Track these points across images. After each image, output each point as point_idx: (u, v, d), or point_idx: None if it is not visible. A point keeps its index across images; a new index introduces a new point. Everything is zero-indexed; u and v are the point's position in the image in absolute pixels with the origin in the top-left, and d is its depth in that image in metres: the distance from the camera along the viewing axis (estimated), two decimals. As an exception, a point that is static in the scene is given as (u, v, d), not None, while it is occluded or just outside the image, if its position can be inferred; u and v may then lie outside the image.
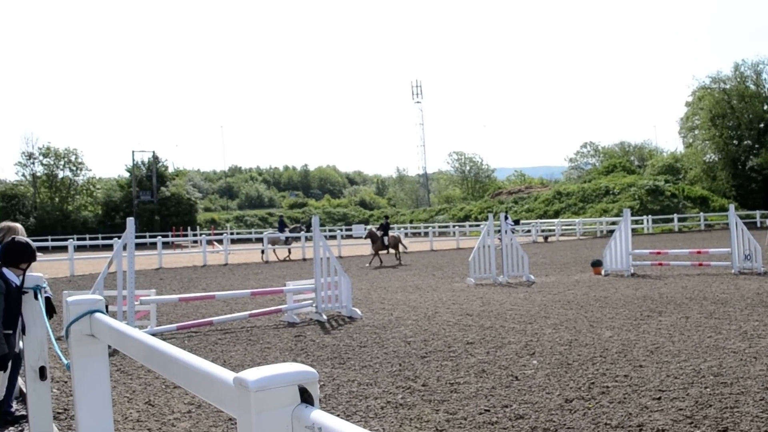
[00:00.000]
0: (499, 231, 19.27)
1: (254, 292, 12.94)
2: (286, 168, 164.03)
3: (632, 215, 47.35)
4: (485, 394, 6.85)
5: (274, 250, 34.08)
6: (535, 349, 9.03)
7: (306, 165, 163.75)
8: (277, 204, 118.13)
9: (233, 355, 9.38)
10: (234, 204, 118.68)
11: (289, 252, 34.31)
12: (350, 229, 59.00)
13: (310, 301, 12.63)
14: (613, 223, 46.36)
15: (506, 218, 48.07)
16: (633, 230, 37.76)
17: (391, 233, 28.84)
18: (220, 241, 39.51)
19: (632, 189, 62.29)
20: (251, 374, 2.03)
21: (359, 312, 12.64)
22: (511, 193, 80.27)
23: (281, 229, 35.13)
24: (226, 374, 2.25)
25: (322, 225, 64.64)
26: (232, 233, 54.88)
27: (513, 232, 44.21)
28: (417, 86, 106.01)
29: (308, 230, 41.09)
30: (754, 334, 9.53)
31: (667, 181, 65.07)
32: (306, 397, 2.06)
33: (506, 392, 6.92)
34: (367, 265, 27.18)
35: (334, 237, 40.72)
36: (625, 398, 6.58)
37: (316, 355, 9.13)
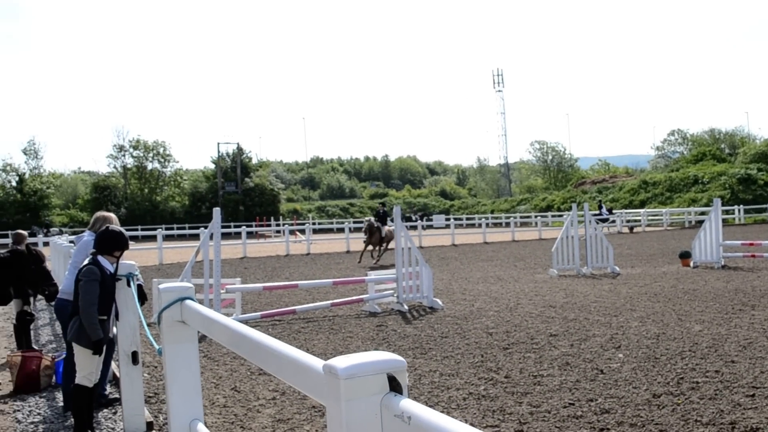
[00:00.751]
0: (589, 221, 18.87)
1: (336, 281, 13.09)
2: (367, 158, 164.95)
3: (723, 205, 45.75)
4: (569, 388, 6.75)
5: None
6: (620, 342, 8.83)
7: (387, 155, 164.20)
8: (357, 194, 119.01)
9: (316, 343, 9.51)
10: (316, 194, 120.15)
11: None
12: (431, 220, 58.94)
13: (392, 291, 12.68)
14: (702, 213, 44.87)
15: (601, 207, 47.27)
16: (724, 221, 36.43)
17: (386, 227, 24.79)
18: (302, 231, 40.09)
19: (722, 178, 60.12)
20: (341, 362, 2.04)
21: (440, 302, 12.62)
22: (595, 183, 78.62)
23: (383, 220, 35.97)
24: (316, 362, 2.27)
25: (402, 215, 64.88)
26: (314, 223, 55.58)
27: (607, 222, 43.63)
28: (498, 75, 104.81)
29: (423, 218, 41.57)
30: None
31: (760, 170, 62.43)
32: (395, 385, 2.06)
33: (591, 386, 6.79)
34: (358, 262, 23.93)
35: (414, 227, 40.73)
36: (716, 395, 6.37)
37: (398, 345, 9.17)
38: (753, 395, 6.29)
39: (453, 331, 10.06)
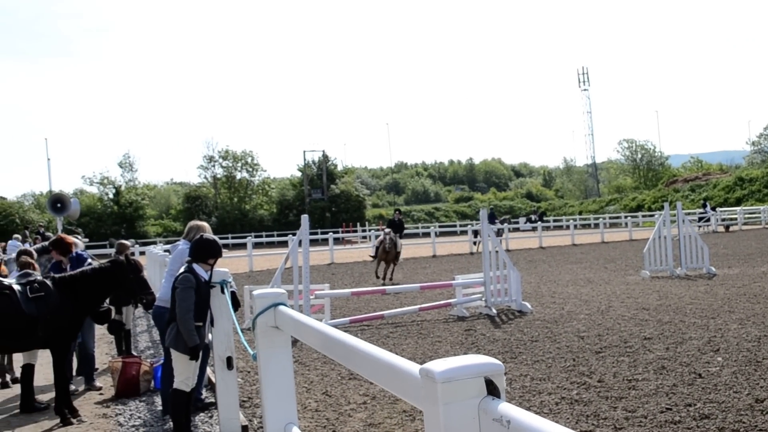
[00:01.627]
0: (689, 220, 18.30)
1: (423, 286, 13.10)
2: (451, 162, 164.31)
3: (826, 201, 43.54)
4: (666, 392, 6.56)
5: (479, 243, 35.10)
6: (719, 345, 8.53)
7: (471, 158, 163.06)
8: (443, 198, 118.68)
9: (405, 348, 9.54)
10: (401, 199, 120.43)
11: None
12: (517, 222, 58.29)
13: (479, 295, 12.60)
14: (805, 210, 42.87)
15: (705, 206, 45.90)
16: (828, 217, 34.74)
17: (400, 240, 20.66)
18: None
19: (827, 172, 57.32)
20: (437, 365, 2.04)
21: (529, 306, 12.47)
22: (687, 181, 76.12)
23: (491, 221, 36.30)
24: (411, 366, 2.28)
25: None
26: (399, 228, 55.80)
27: (711, 219, 42.37)
28: (583, 73, 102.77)
29: (541, 219, 41.62)
30: None
31: None
32: (492, 389, 2.05)
33: (689, 390, 6.59)
34: (380, 279, 20.09)
35: (501, 230, 40.40)
36: (825, 399, 6.08)
37: (487, 350, 9.10)
38: None
39: (543, 334, 9.92)
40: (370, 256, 23.02)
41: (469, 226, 42.08)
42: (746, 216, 47.39)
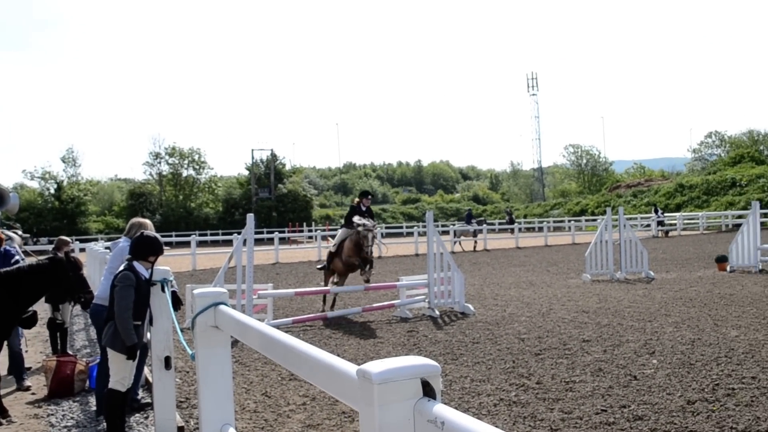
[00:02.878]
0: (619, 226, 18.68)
1: (368, 287, 13.09)
2: (400, 164, 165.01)
3: (762, 208, 44.94)
4: (602, 394, 6.69)
5: (459, 242, 36.38)
6: (654, 348, 8.73)
7: (419, 160, 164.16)
8: (390, 200, 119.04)
9: (347, 349, 9.53)
10: (348, 200, 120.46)
11: (475, 243, 36.46)
12: (493, 224, 58.75)
13: (423, 297, 12.67)
14: (740, 217, 44.11)
15: (656, 210, 47.12)
16: (762, 224, 35.85)
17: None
18: (334, 237, 40.28)
19: (761, 180, 59.05)
20: (374, 366, 2.04)
21: (472, 308, 12.58)
22: (630, 186, 77.74)
23: (468, 221, 37.46)
24: (349, 366, 2.28)
25: (435, 220, 64.72)
26: (346, 229, 55.74)
27: (662, 225, 43.52)
28: (533, 78, 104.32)
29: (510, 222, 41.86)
30: None
31: (802, 171, 61.32)
32: (428, 390, 2.06)
33: (624, 392, 6.73)
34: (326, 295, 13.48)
35: (447, 233, 40.66)
36: (752, 401, 6.27)
37: (429, 351, 9.15)
38: (791, 402, 6.18)
39: (484, 336, 10.02)
40: (319, 268, 14.43)
41: (452, 226, 42.95)
42: (685, 222, 48.60)
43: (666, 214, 49.06)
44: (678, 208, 60.85)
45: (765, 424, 5.62)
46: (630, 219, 49.64)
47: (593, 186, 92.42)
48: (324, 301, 13.39)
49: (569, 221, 50.49)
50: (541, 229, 44.53)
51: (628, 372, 7.52)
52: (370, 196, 13.51)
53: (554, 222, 55.14)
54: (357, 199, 13.20)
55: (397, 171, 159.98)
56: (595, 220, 50.68)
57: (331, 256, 13.02)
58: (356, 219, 12.23)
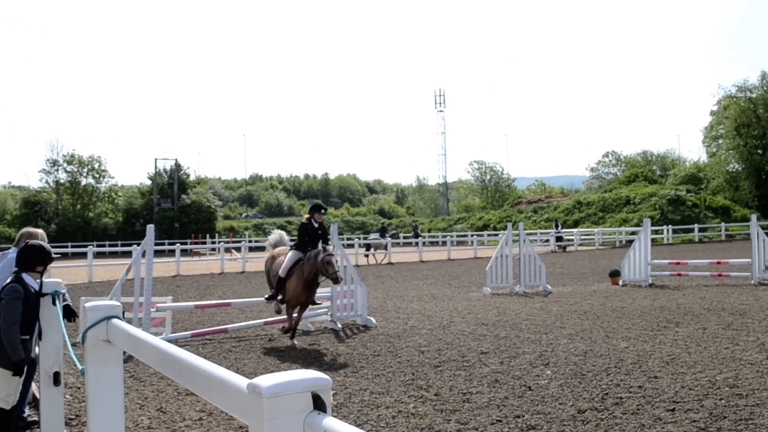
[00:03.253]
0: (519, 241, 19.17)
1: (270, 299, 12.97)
2: (307, 176, 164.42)
3: (653, 225, 46.90)
4: (497, 404, 6.84)
5: (374, 255, 36.56)
6: (549, 359, 9.00)
7: (326, 173, 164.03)
8: (296, 212, 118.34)
9: (247, 363, 9.42)
10: (253, 212, 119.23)
11: (384, 256, 36.71)
12: (367, 238, 59.06)
13: (326, 310, 12.66)
14: (633, 233, 45.97)
15: (557, 226, 48.67)
16: (653, 240, 37.46)
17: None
18: (238, 249, 39.70)
19: (653, 199, 61.84)
20: (265, 380, 2.04)
21: (374, 321, 12.65)
22: (531, 203, 79.93)
23: (382, 235, 37.57)
24: (240, 380, 2.27)
25: (340, 233, 64.75)
26: (250, 241, 55.09)
27: (560, 240, 44.92)
28: (440, 95, 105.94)
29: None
30: (772, 346, 9.43)
31: (688, 191, 64.49)
32: (319, 404, 2.08)
33: (519, 402, 6.90)
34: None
35: (352, 245, 40.76)
36: (638, 409, 6.54)
37: (330, 364, 9.15)
38: (673, 409, 6.48)
39: (385, 349, 10.09)
40: (268, 297, 11.49)
41: (365, 239, 43.23)
42: (582, 237, 50.33)
43: (564, 230, 50.70)
44: (576, 224, 62.94)
45: (649, 430, 5.88)
46: (530, 234, 50.94)
47: (496, 201, 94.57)
48: (290, 329, 10.87)
49: (472, 236, 51.48)
50: (444, 243, 45.17)
51: (523, 383, 7.72)
52: (323, 211, 11.25)
53: (457, 236, 56.11)
54: (307, 215, 11.25)
55: (303, 183, 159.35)
56: (497, 234, 51.82)
57: (281, 282, 10.74)
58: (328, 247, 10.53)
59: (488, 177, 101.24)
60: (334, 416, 2.02)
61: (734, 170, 68.03)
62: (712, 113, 71.17)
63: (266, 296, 11.49)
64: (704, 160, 76.03)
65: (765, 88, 66.75)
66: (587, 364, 8.66)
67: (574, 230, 52.57)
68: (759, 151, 66.83)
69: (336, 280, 10.50)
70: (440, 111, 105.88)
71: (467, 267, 30.29)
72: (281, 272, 10.78)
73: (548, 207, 73.21)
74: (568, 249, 45.55)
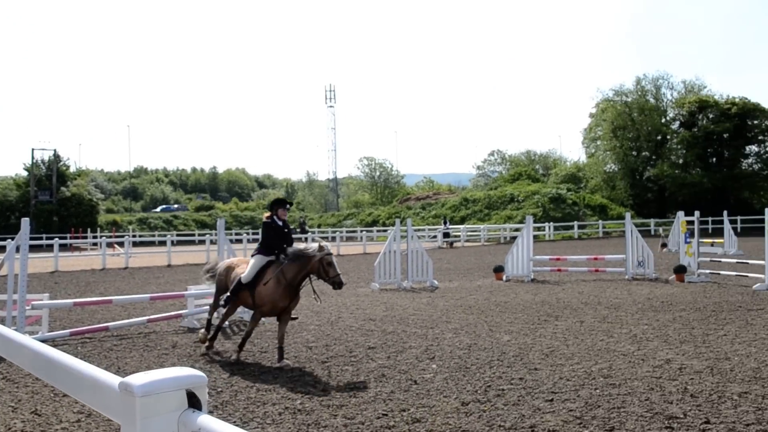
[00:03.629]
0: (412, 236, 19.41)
1: (154, 296, 12.63)
2: (194, 170, 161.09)
3: (535, 222, 48.51)
4: (384, 399, 6.91)
5: None
6: (435, 353, 9.16)
7: (215, 167, 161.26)
8: (183, 206, 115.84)
9: (128, 361, 9.13)
10: (138, 206, 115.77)
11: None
12: (257, 233, 58.45)
13: (212, 306, 12.41)
14: (517, 230, 47.45)
15: (446, 222, 49.55)
16: (535, 237, 38.79)
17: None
18: (121, 244, 38.45)
19: (536, 197, 63.95)
20: (137, 379, 1.99)
21: (262, 317, 12.52)
22: (419, 199, 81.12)
23: (304, 231, 36.89)
24: (112, 379, 2.20)
25: (228, 228, 63.72)
26: (134, 236, 53.44)
27: (447, 236, 45.80)
28: (330, 90, 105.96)
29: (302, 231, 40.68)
30: (643, 338, 9.94)
31: (569, 190, 67.10)
32: (194, 401, 2.04)
33: (404, 396, 6.99)
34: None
35: (240, 241, 40.19)
36: (519, 400, 6.76)
37: (216, 361, 9.00)
38: (552, 400, 6.73)
39: (272, 345, 10.00)
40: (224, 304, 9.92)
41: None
42: (468, 234, 51.49)
43: (451, 226, 51.75)
44: (463, 220, 64.35)
45: (529, 421, 6.08)
46: (418, 230, 51.80)
47: (385, 198, 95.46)
48: (209, 331, 9.73)
49: (361, 231, 51.80)
50: (334, 239, 45.26)
51: (409, 377, 7.83)
52: (288, 206, 9.70)
53: (347, 232, 56.31)
54: (267, 213, 9.57)
55: (191, 177, 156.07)
56: (386, 230, 52.34)
57: (239, 287, 9.24)
58: (310, 245, 9.16)
59: (378, 173, 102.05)
60: (219, 416, 1.98)
61: (611, 170, 71.26)
62: (591, 116, 74.29)
63: (225, 297, 9.56)
64: (583, 161, 79.25)
65: (639, 93, 70.30)
66: (471, 357, 8.87)
67: (461, 227, 53.72)
68: (633, 152, 70.32)
69: (339, 285, 8.91)
70: (331, 106, 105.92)
71: (356, 263, 30.43)
72: (243, 278, 9.14)
73: (436, 204, 74.48)
74: (455, 245, 46.50)
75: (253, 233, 51.17)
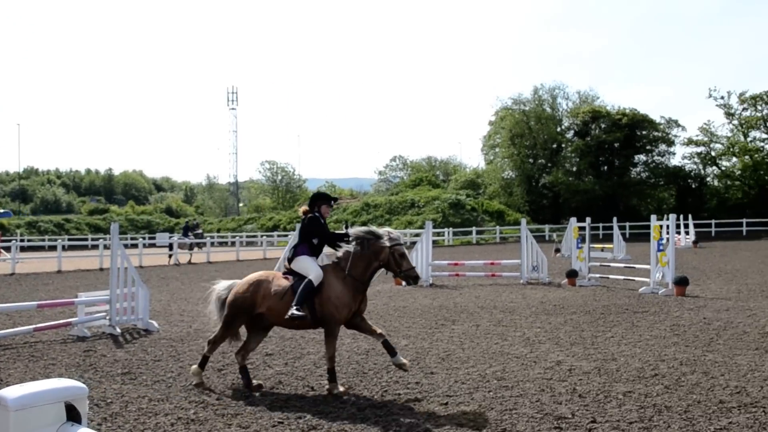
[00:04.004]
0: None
1: (41, 304, 12.11)
2: (89, 171, 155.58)
3: (434, 227, 49.33)
4: (280, 406, 6.85)
5: (177, 256, 34.53)
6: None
7: (110, 169, 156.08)
8: (75, 210, 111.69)
9: (12, 373, 8.71)
10: (27, 209, 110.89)
11: (191, 257, 35.36)
12: (153, 238, 57.02)
13: (104, 314, 12.02)
14: (417, 235, 47.99)
15: (346, 227, 49.26)
16: (434, 242, 39.44)
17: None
18: (7, 249, 36.72)
19: (436, 202, 64.90)
20: (11, 392, 1.91)
21: (156, 324, 12.21)
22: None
23: (186, 234, 35.87)
24: (-15, 392, 2.09)
25: (123, 233, 61.87)
26: (22, 240, 51.18)
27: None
28: (233, 93, 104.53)
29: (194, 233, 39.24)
30: (536, 340, 10.24)
31: (468, 196, 68.41)
32: (73, 414, 1.97)
33: (301, 403, 6.96)
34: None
35: (135, 245, 39.11)
36: (414, 404, 6.83)
37: (106, 371, 8.70)
38: (446, 403, 6.84)
39: (167, 354, 9.78)
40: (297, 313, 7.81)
41: (173, 238, 40.59)
42: (370, 238, 51.67)
43: (353, 231, 51.74)
44: (364, 225, 64.53)
45: (424, 425, 6.15)
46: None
47: (287, 202, 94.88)
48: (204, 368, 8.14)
49: (262, 236, 51.31)
50: (234, 244, 44.63)
51: (306, 383, 7.80)
52: (333, 202, 8.70)
53: (247, 237, 55.65)
54: (305, 207, 8.46)
55: (85, 179, 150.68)
56: (287, 235, 52.00)
57: (310, 293, 7.69)
58: (379, 229, 8.23)
59: (280, 177, 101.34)
60: (108, 429, 1.92)
61: (508, 177, 73.10)
62: (490, 123, 76.07)
63: (295, 308, 7.52)
64: (483, 167, 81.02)
65: (536, 102, 72.50)
66: (369, 362, 8.92)
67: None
68: (530, 160, 72.42)
69: (415, 279, 7.93)
70: (233, 109, 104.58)
71: (256, 268, 29.92)
72: (315, 278, 7.71)
73: (337, 209, 74.46)
74: (356, 250, 46.59)
75: (150, 237, 49.80)
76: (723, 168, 68.40)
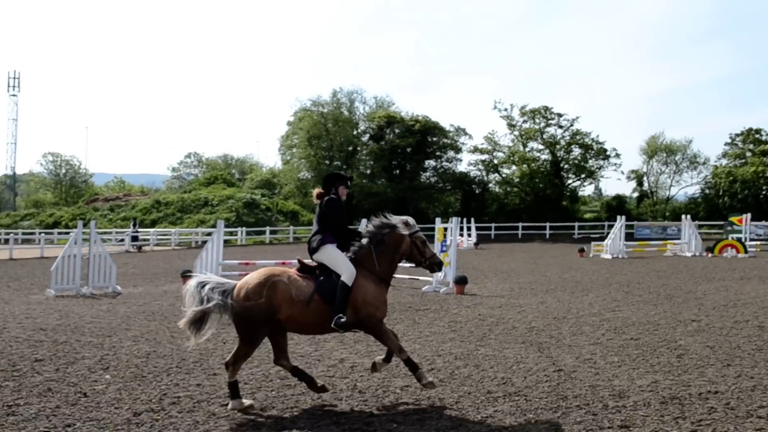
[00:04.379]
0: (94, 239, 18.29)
1: None
2: None
3: (228, 227, 48.63)
4: (47, 415, 6.43)
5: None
6: (110, 363, 8.74)
7: None
8: None
9: None
10: None
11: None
12: None
13: None
14: (208, 234, 47.00)
15: (135, 225, 47.20)
16: (227, 241, 38.85)
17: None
18: None
19: (230, 201, 63.92)
20: None
21: None
22: (108, 200, 76.96)
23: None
24: None
25: None
26: None
27: (136, 240, 43.66)
28: (14, 78, 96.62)
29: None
30: (321, 339, 10.35)
31: (263, 195, 68.03)
32: None
33: (71, 410, 6.58)
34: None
35: None
36: (195, 407, 6.70)
37: None
38: (227, 404, 6.74)
39: None
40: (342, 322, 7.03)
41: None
42: (159, 237, 50.01)
43: (141, 230, 49.87)
44: (154, 223, 62.25)
45: (203, 426, 6.05)
46: (105, 233, 49.29)
47: (71, 198, 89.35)
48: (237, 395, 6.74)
49: (40, 233, 47.98)
50: (7, 242, 41.30)
51: (78, 389, 7.37)
52: (349, 182, 7.80)
53: (23, 234, 51.77)
54: (319, 190, 7.55)
55: None
56: (68, 233, 48.95)
57: (348, 294, 6.97)
58: (394, 217, 7.38)
59: (64, 171, 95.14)
60: None
61: (304, 177, 73.47)
62: (289, 123, 76.08)
63: (340, 319, 6.84)
64: (279, 167, 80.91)
65: (335, 105, 73.51)
66: (149, 365, 8.61)
67: (151, 230, 52.02)
68: (326, 161, 73.22)
69: (439, 266, 7.66)
70: (13, 95, 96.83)
71: (31, 267, 28.07)
72: (347, 279, 6.93)
73: (126, 205, 71.24)
74: (143, 249, 44.83)
75: None
76: (504, 175, 73.07)
